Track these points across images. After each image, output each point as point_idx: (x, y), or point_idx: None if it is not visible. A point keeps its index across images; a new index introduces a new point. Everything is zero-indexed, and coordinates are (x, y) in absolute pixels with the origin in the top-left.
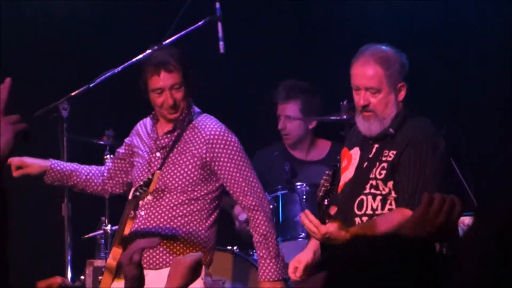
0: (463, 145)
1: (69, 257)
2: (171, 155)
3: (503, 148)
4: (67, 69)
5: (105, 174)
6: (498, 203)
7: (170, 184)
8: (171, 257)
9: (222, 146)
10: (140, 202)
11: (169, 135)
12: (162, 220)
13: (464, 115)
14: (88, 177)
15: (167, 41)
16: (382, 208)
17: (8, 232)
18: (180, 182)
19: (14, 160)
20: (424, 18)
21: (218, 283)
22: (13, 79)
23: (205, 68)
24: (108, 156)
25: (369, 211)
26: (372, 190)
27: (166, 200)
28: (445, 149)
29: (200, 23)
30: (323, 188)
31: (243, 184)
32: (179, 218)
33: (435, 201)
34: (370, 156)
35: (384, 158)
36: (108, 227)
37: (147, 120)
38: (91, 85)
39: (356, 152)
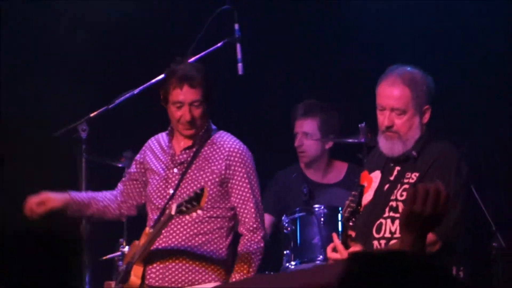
0: (484, 169)
1: (87, 279)
2: (189, 171)
3: None
4: (86, 90)
5: (119, 198)
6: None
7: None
8: (192, 275)
9: (240, 163)
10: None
11: (187, 151)
12: (183, 237)
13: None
14: (105, 204)
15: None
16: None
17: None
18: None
19: (35, 198)
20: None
21: None
22: (33, 99)
23: (224, 89)
24: None
25: (387, 234)
26: (391, 213)
27: (186, 217)
28: (468, 174)
29: (218, 45)
30: (348, 209)
31: (252, 205)
32: (200, 236)
33: (418, 194)
34: (391, 178)
35: (406, 180)
36: (126, 248)
37: (161, 136)
38: (110, 106)
39: (377, 175)
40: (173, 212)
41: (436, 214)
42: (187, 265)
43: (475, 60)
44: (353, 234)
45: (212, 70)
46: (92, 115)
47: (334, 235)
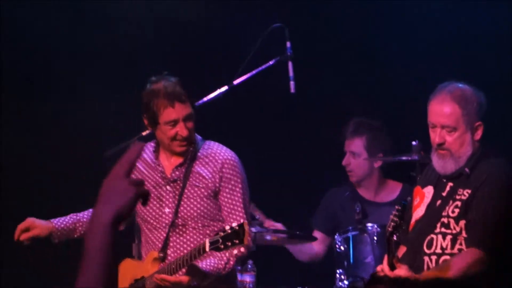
0: None
1: None
2: (185, 189)
3: None
4: (137, 108)
5: None
6: None
7: (189, 220)
8: None
9: (233, 173)
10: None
11: (179, 168)
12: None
13: None
14: (77, 226)
15: (238, 80)
16: (452, 248)
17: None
18: (199, 217)
19: (22, 224)
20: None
21: None
22: (85, 118)
23: (276, 108)
24: None
25: (438, 250)
26: (443, 229)
27: (189, 236)
28: None
29: (270, 63)
30: (392, 224)
31: (242, 213)
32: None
33: None
34: (444, 194)
35: (458, 197)
36: None
37: (145, 153)
38: None
39: (429, 191)
40: (207, 249)
41: None
42: (195, 283)
43: None
44: (402, 250)
45: (264, 89)
46: (143, 133)
47: (386, 257)
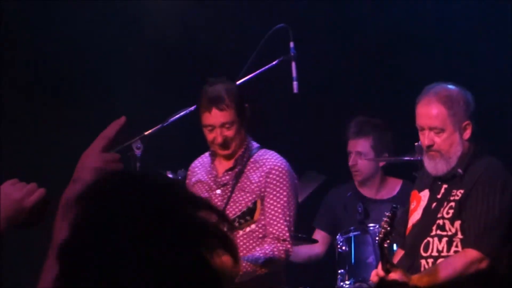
0: None
1: None
2: (233, 194)
3: None
4: (141, 108)
5: None
6: None
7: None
8: None
9: (279, 178)
10: None
11: (230, 172)
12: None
13: None
14: None
15: (241, 80)
16: (448, 250)
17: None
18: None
19: None
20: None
21: None
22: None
23: (279, 107)
24: None
25: (435, 253)
26: (438, 232)
27: (239, 240)
28: None
29: (274, 63)
30: (382, 230)
31: (283, 220)
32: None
33: None
34: (439, 196)
35: (452, 198)
36: None
37: (205, 157)
38: (164, 124)
39: (425, 194)
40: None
41: None
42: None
43: None
44: (398, 255)
45: (267, 89)
46: (146, 133)
47: (380, 262)
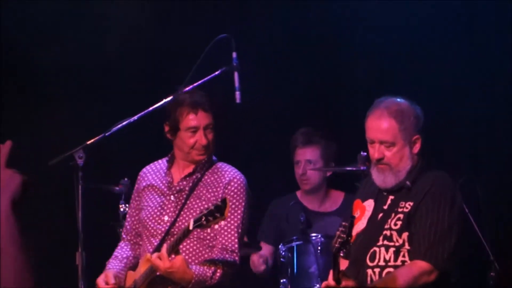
0: (481, 198)
1: None
2: (188, 200)
3: None
4: (83, 117)
5: (133, 241)
6: None
7: None
8: None
9: (236, 191)
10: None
11: (187, 178)
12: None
13: (482, 169)
14: (129, 265)
15: (184, 89)
16: (395, 260)
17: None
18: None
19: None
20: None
21: None
22: (29, 127)
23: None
24: (123, 205)
25: (382, 263)
26: (385, 242)
27: (185, 248)
28: (462, 203)
29: (216, 73)
30: (339, 240)
31: (235, 232)
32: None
33: None
34: (385, 207)
35: (400, 209)
36: None
37: (158, 163)
38: (107, 134)
39: (370, 204)
40: (191, 227)
41: None
42: None
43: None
44: (344, 264)
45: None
46: (88, 142)
47: (331, 272)
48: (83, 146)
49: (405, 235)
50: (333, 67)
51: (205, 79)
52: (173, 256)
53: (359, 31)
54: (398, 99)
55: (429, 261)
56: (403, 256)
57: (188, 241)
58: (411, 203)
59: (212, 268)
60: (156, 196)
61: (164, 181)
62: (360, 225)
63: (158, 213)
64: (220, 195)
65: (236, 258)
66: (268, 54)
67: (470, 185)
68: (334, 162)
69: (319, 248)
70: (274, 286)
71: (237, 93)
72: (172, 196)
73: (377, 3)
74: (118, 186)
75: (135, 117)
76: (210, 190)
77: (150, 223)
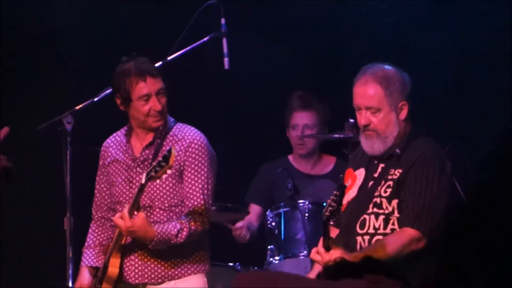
0: (468, 165)
1: (70, 271)
2: None
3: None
4: (72, 82)
5: (105, 217)
6: None
7: (156, 200)
8: (171, 270)
9: (198, 152)
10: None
11: (149, 147)
12: None
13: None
14: (106, 240)
15: (172, 56)
16: (385, 228)
17: None
18: (165, 197)
19: None
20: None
21: None
22: (18, 91)
23: (210, 84)
24: None
25: (371, 230)
26: (375, 209)
27: (156, 217)
28: (451, 170)
29: (205, 39)
30: (329, 208)
31: (200, 190)
32: None
33: None
34: (376, 175)
35: (390, 177)
36: None
37: (118, 136)
38: (95, 99)
39: (361, 173)
40: (143, 181)
41: None
42: (162, 262)
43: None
44: (334, 232)
45: (198, 65)
46: (77, 107)
47: (321, 239)
48: (71, 111)
49: (394, 202)
50: (324, 32)
51: (194, 45)
52: (135, 215)
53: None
54: (386, 66)
55: (418, 228)
56: (393, 224)
57: (161, 211)
58: (400, 170)
59: (178, 227)
60: (123, 171)
61: (127, 154)
62: (351, 194)
63: (128, 187)
64: (182, 159)
65: (205, 218)
66: (256, 20)
67: (457, 152)
68: (329, 127)
69: (306, 214)
70: (261, 252)
71: (226, 60)
72: (138, 168)
73: None
74: None
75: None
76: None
77: (121, 197)
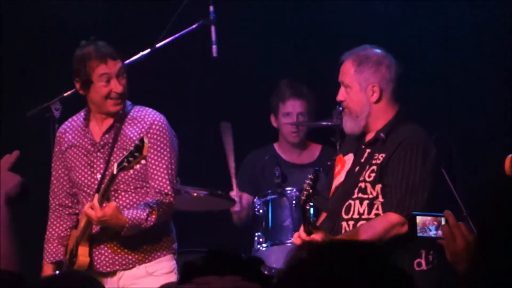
0: (455, 154)
1: None
2: (113, 152)
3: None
4: (60, 69)
5: (63, 204)
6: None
7: (120, 183)
8: (141, 255)
9: (159, 133)
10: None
11: (110, 131)
12: None
13: (457, 124)
14: (66, 232)
15: (160, 43)
16: (369, 213)
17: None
18: (130, 179)
19: None
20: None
21: None
22: (6, 78)
23: (198, 72)
24: None
25: (356, 216)
26: (360, 195)
27: (121, 201)
28: (436, 156)
29: (193, 27)
30: (305, 193)
31: (166, 173)
32: None
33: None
34: (362, 160)
35: (374, 161)
36: None
37: (74, 121)
38: None
39: (350, 158)
40: (115, 171)
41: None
42: (135, 244)
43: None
44: (322, 217)
45: (186, 53)
46: (65, 94)
47: (303, 224)
48: (60, 98)
49: (378, 187)
50: (311, 20)
51: (182, 32)
52: (105, 204)
53: None
54: (374, 49)
55: (401, 213)
56: (377, 209)
57: (127, 195)
58: (384, 155)
59: (147, 210)
60: (83, 156)
61: (85, 139)
62: (339, 179)
63: (89, 173)
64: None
65: (171, 199)
66: (245, 9)
67: (444, 139)
68: (316, 115)
69: (293, 202)
70: (248, 239)
71: (214, 47)
72: (98, 153)
73: None
74: None
75: None
76: (133, 138)
77: (84, 183)
